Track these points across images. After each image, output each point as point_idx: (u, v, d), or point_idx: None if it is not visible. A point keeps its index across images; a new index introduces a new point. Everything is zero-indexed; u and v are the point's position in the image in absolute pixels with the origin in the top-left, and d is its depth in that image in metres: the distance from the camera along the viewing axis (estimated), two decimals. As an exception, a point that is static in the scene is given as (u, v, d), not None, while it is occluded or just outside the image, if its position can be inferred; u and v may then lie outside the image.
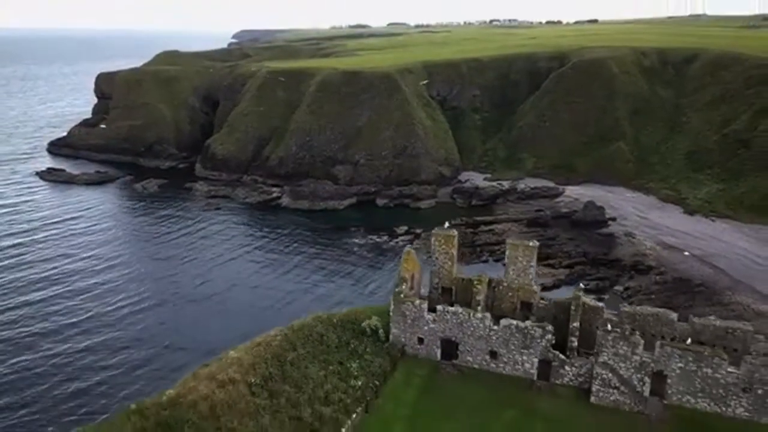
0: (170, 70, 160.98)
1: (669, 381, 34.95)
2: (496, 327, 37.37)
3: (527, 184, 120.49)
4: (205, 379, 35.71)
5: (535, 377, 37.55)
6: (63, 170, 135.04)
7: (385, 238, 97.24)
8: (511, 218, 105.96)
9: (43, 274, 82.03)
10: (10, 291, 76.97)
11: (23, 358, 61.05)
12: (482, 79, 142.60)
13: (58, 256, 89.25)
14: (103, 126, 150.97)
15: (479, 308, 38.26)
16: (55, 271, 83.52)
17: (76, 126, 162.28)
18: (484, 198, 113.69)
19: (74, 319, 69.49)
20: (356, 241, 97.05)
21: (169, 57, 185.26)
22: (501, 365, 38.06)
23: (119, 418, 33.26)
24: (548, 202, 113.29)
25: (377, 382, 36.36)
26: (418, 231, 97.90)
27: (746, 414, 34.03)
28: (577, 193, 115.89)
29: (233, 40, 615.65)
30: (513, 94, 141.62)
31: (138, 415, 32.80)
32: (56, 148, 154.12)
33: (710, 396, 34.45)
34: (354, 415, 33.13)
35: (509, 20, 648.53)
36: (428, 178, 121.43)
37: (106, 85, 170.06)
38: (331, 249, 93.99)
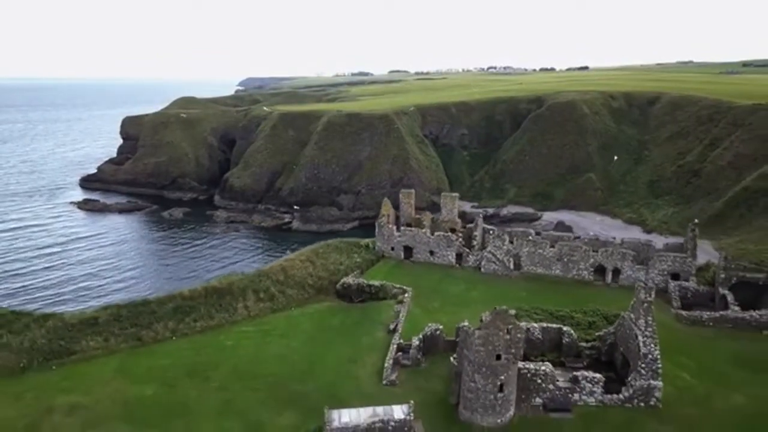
0: (191, 113, 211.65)
1: (522, 258, 78.73)
2: (432, 236, 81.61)
3: (509, 210, 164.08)
4: (275, 264, 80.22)
5: (454, 263, 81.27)
6: (97, 201, 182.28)
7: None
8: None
9: (90, 268, 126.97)
10: (80, 268, 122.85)
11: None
12: (469, 119, 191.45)
13: (103, 256, 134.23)
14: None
15: (425, 230, 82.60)
16: (103, 266, 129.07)
17: (104, 163, 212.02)
18: (470, 221, 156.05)
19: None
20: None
21: (186, 102, 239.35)
22: (436, 258, 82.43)
23: (231, 275, 77.19)
24: (527, 225, 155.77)
25: (368, 265, 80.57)
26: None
27: (560, 273, 77.73)
28: (552, 218, 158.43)
29: (239, 87, 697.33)
30: (497, 132, 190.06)
31: (242, 273, 77.00)
32: (88, 182, 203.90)
33: (542, 265, 78.45)
34: (355, 272, 77.38)
35: (505, 68, 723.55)
36: (421, 206, 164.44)
37: (131, 127, 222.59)
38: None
